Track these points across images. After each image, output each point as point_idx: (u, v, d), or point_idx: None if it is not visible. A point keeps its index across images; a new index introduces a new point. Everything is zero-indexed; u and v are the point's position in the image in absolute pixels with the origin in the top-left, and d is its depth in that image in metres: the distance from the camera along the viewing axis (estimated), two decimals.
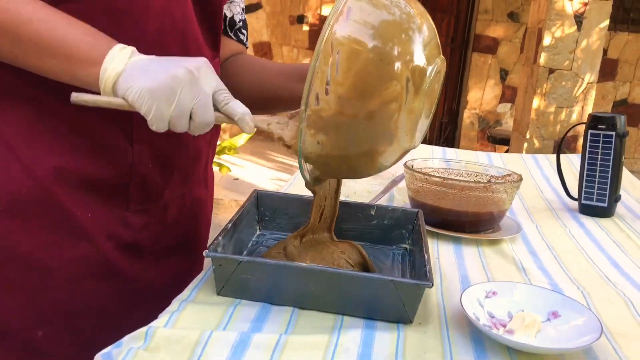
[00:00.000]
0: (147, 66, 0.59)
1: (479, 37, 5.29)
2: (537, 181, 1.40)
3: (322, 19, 5.36)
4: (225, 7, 0.87)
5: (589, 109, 3.33)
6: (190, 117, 0.61)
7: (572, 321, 0.66)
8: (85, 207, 0.70)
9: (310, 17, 5.38)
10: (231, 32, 0.91)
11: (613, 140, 1.11)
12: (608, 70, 5.26)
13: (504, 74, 5.32)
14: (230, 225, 0.74)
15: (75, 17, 0.62)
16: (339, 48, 0.57)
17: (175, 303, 0.64)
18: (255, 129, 0.67)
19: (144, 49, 0.65)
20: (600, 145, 1.13)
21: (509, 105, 5.32)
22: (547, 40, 3.22)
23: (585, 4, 3.17)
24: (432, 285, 0.64)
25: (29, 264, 0.68)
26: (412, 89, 0.60)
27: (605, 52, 5.22)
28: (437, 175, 0.98)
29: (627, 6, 5.21)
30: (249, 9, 5.34)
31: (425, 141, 5.14)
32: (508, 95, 5.31)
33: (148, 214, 0.77)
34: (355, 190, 1.14)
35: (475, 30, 5.29)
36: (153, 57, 0.61)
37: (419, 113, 0.63)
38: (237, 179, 4.14)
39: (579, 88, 3.26)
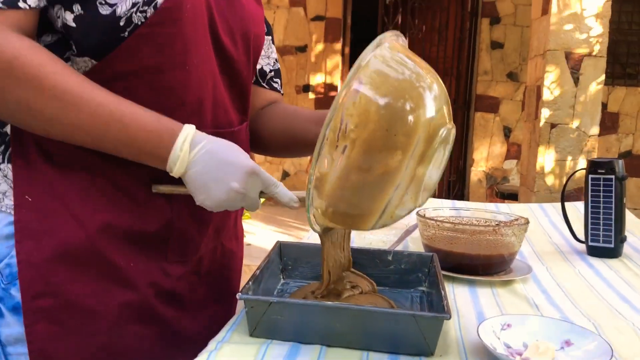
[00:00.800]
0: (204, 181, 0.72)
1: (480, 97, 5.45)
2: (545, 228, 1.45)
3: (327, 87, 5.56)
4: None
5: None
6: (243, 202, 0.75)
7: (584, 347, 0.70)
8: (129, 258, 0.76)
9: (316, 87, 5.58)
10: (264, 82, 1.00)
11: (613, 183, 1.18)
12: (609, 123, 5.38)
13: (507, 131, 5.44)
14: (258, 272, 0.80)
15: (123, 93, 0.71)
16: (347, 119, 0.64)
17: (212, 343, 0.70)
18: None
19: (184, 118, 0.74)
20: (602, 189, 1.19)
21: (514, 161, 5.42)
22: (546, 97, 3.34)
23: (580, 61, 3.31)
24: (450, 317, 0.69)
25: (80, 310, 0.73)
26: (417, 157, 0.66)
27: (605, 106, 5.35)
28: (449, 221, 1.04)
29: (623, 62, 5.39)
30: None
31: (434, 197, 5.20)
32: (513, 151, 5.41)
33: (185, 264, 0.83)
34: (371, 241, 1.20)
35: (477, 90, 5.46)
36: (209, 151, 0.72)
37: (422, 178, 0.69)
38: (249, 244, 4.19)
39: (581, 140, 3.35)
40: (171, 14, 0.71)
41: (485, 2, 5.38)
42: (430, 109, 0.66)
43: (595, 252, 1.20)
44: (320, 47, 5.52)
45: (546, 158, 3.34)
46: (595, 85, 3.32)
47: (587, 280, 1.04)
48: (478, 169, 5.54)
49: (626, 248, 1.24)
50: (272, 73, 1.02)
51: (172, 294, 0.81)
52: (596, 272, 1.09)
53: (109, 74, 0.71)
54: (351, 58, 5.76)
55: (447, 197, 5.58)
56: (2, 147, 0.75)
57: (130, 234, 0.76)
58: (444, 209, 1.15)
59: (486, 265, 1.00)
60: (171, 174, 0.72)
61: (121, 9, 0.69)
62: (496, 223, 1.03)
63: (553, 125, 3.36)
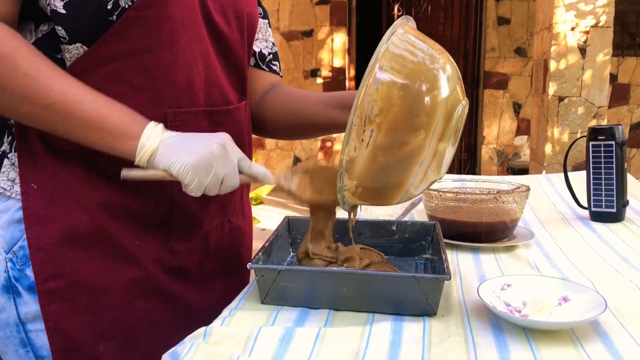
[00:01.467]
0: (182, 143, 0.71)
1: (489, 74, 5.43)
2: (550, 197, 1.47)
3: (334, 71, 5.57)
4: (254, 45, 0.99)
5: None
6: (222, 183, 0.73)
7: (580, 302, 0.73)
8: (133, 236, 0.80)
9: (323, 70, 5.59)
10: (263, 65, 1.03)
11: (613, 149, 1.20)
12: (621, 94, 5.34)
13: (517, 107, 5.42)
14: (267, 244, 0.84)
15: (114, 75, 0.74)
16: (372, 104, 0.67)
17: (225, 311, 0.74)
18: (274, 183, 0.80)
19: (175, 97, 0.77)
20: (602, 155, 1.21)
21: (525, 137, 5.40)
22: (553, 70, 3.33)
23: (587, 32, 3.29)
24: (450, 278, 0.72)
25: (89, 288, 0.78)
26: (438, 134, 0.70)
27: (615, 77, 5.31)
28: (451, 192, 1.07)
29: (632, 31, 5.33)
30: None
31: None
32: (523, 127, 5.39)
33: (191, 241, 0.87)
34: (377, 214, 1.23)
35: (485, 67, 5.44)
36: (180, 133, 0.73)
37: (444, 153, 0.73)
38: (264, 229, 4.25)
39: (590, 112, 3.34)
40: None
41: None
42: (445, 88, 0.70)
43: (598, 217, 1.22)
44: (326, 30, 5.52)
45: (555, 131, 3.34)
46: (602, 57, 3.30)
47: (589, 243, 1.07)
48: (489, 147, 5.54)
49: (629, 212, 1.27)
50: (271, 56, 1.05)
51: (178, 270, 0.85)
52: (598, 236, 1.12)
53: (100, 58, 0.74)
54: (357, 41, 5.75)
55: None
56: (10, 138, 0.79)
57: (132, 212, 0.80)
58: (447, 180, 1.18)
59: (489, 232, 1.04)
60: (142, 153, 0.71)
61: None
62: (497, 191, 1.06)
63: (561, 99, 3.35)
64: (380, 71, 0.68)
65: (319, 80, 5.63)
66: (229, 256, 0.94)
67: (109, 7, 0.72)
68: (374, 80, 0.68)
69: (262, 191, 3.54)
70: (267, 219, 4.59)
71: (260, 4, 1.02)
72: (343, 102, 0.92)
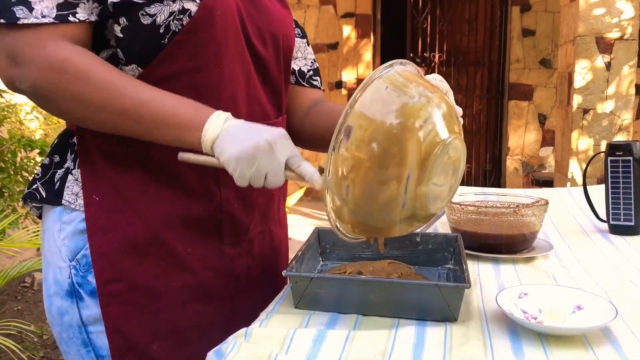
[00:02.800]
0: (237, 134, 0.77)
1: (513, 85, 5.44)
2: (571, 210, 1.52)
3: (359, 82, 5.64)
4: (292, 62, 1.06)
5: None
6: (266, 177, 0.78)
7: (594, 310, 0.78)
8: (186, 244, 0.88)
9: (348, 82, 5.66)
10: (304, 82, 1.10)
11: (631, 164, 1.24)
12: None
13: (542, 118, 5.42)
14: (300, 253, 0.91)
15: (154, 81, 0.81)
16: (344, 164, 0.73)
17: (263, 314, 0.81)
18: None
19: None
20: (620, 170, 1.25)
21: (550, 148, 5.39)
22: (578, 83, 3.35)
23: (612, 45, 3.31)
24: (470, 286, 0.78)
25: (145, 292, 0.85)
26: (414, 181, 0.73)
27: None
28: (473, 205, 1.12)
29: None
30: None
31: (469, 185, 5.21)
32: (549, 138, 5.38)
33: (238, 246, 0.94)
34: None
35: (510, 79, 5.45)
36: (242, 122, 0.79)
37: (425, 195, 0.75)
38: (290, 238, 4.32)
39: (615, 125, 3.35)
40: (204, 21, 0.82)
41: None
42: (413, 141, 0.72)
43: (617, 230, 1.26)
44: (351, 43, 5.60)
45: (579, 144, 3.35)
46: (627, 69, 3.31)
47: (606, 255, 1.12)
48: (514, 158, 5.54)
49: None
50: (311, 72, 1.12)
51: (229, 274, 0.93)
52: (615, 248, 1.16)
53: (153, 78, 0.82)
54: (382, 52, 5.82)
55: (484, 186, 5.59)
56: (73, 156, 0.87)
57: (186, 220, 0.87)
58: (469, 194, 1.24)
59: (509, 244, 1.09)
60: (203, 139, 0.76)
61: (160, 19, 0.80)
62: (516, 205, 1.11)
63: (586, 111, 3.37)
64: (347, 132, 0.73)
65: (344, 92, 5.70)
66: (270, 262, 1.01)
67: (160, 31, 0.80)
68: (343, 141, 0.73)
69: (289, 201, 3.61)
70: (291, 227, 4.67)
71: (297, 25, 1.10)
72: None
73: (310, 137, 1.08)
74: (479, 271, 1.03)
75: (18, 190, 2.40)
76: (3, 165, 2.40)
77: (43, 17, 0.76)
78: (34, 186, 0.89)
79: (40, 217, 0.93)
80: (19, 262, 2.28)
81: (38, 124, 2.80)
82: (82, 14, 0.78)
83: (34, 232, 2.33)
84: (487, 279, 0.98)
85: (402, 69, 0.81)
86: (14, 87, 0.79)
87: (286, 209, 1.17)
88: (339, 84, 5.71)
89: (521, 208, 1.08)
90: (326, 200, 0.76)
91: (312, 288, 0.82)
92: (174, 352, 0.87)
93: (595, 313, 0.78)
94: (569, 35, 3.47)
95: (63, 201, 0.86)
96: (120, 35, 0.80)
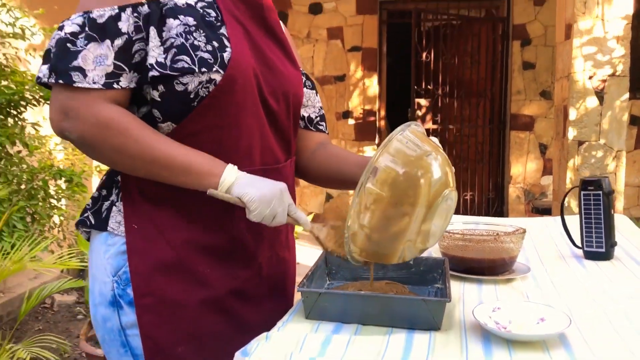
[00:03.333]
0: (253, 181, 0.98)
1: (515, 116, 5.63)
2: (553, 237, 1.68)
3: (365, 112, 5.85)
4: (302, 110, 1.25)
5: (622, 175, 3.56)
6: (274, 219, 0.99)
7: (555, 322, 0.95)
8: (206, 266, 1.05)
9: (355, 113, 5.88)
10: (311, 126, 1.29)
11: (601, 198, 1.41)
12: None
13: (543, 148, 5.59)
14: (310, 273, 1.08)
15: (194, 145, 1.00)
16: (368, 197, 0.93)
17: (280, 322, 0.98)
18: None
19: (238, 160, 1.03)
20: (592, 202, 1.42)
21: (551, 177, 5.54)
22: (572, 116, 3.53)
23: (604, 81, 3.49)
24: (450, 300, 0.95)
25: (172, 304, 1.02)
26: (421, 219, 0.94)
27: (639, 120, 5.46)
28: (460, 233, 1.29)
29: None
30: None
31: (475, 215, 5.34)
32: (549, 167, 5.54)
33: (249, 269, 1.11)
34: None
35: (511, 110, 5.64)
36: (250, 175, 1.00)
37: (428, 231, 0.97)
38: (298, 263, 4.48)
39: (609, 156, 3.51)
40: (227, 88, 1.00)
41: (516, 25, 5.59)
42: (426, 185, 0.94)
43: (590, 255, 1.43)
44: (358, 75, 5.83)
45: (575, 174, 3.52)
46: (619, 103, 3.49)
47: (578, 277, 1.28)
48: (516, 186, 5.70)
49: (618, 252, 1.47)
50: (318, 118, 1.31)
51: (241, 292, 1.09)
52: (587, 272, 1.32)
53: (184, 133, 1.01)
54: (387, 84, 6.04)
55: (487, 214, 5.74)
56: (117, 191, 1.06)
57: (205, 247, 1.05)
58: (458, 223, 1.41)
59: (491, 267, 1.25)
60: (222, 185, 0.97)
61: (191, 87, 0.99)
62: (496, 233, 1.28)
63: (580, 143, 3.54)
64: (373, 172, 0.94)
65: (351, 122, 5.91)
66: (277, 282, 1.18)
67: (191, 96, 0.99)
68: (370, 178, 0.93)
69: (299, 227, 3.81)
70: (299, 252, 4.83)
71: (309, 78, 1.28)
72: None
73: (315, 174, 1.27)
74: (464, 290, 1.19)
75: (51, 214, 2.60)
76: (33, 193, 2.60)
77: (94, 83, 0.94)
78: (85, 215, 1.08)
79: (88, 239, 1.11)
80: (43, 284, 2.45)
81: (64, 155, 3.01)
82: (124, 82, 0.97)
83: (58, 255, 2.51)
84: (469, 297, 1.14)
85: (415, 129, 1.00)
86: (63, 135, 0.98)
87: (295, 235, 1.35)
88: (345, 114, 5.92)
89: (501, 236, 1.25)
90: (347, 224, 0.95)
91: (321, 302, 0.99)
92: (195, 355, 1.04)
93: (555, 324, 0.94)
94: (564, 71, 3.66)
95: (108, 228, 1.04)
96: (158, 99, 0.99)
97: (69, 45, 0.94)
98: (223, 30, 1.02)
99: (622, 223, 1.78)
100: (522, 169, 5.67)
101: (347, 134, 5.94)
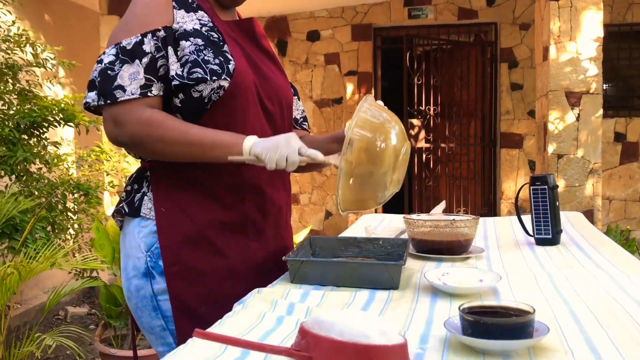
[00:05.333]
0: (265, 140, 1.21)
1: (504, 134, 5.89)
2: (515, 230, 1.92)
3: None
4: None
5: (600, 185, 3.79)
6: (287, 160, 1.20)
7: (491, 281, 1.18)
8: (224, 239, 1.29)
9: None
10: (297, 126, 1.55)
11: (547, 192, 1.65)
12: (630, 152, 5.71)
13: (532, 164, 5.83)
14: (295, 249, 1.33)
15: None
16: (352, 162, 1.18)
17: (270, 285, 1.22)
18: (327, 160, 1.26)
19: None
20: (539, 196, 1.66)
21: None
22: (552, 131, 3.79)
23: (579, 99, 3.76)
24: (404, 263, 1.19)
25: (196, 271, 1.26)
26: (392, 169, 1.20)
27: (624, 136, 5.71)
28: (422, 220, 1.53)
29: (639, 94, 5.75)
30: None
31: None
32: None
33: (259, 242, 1.34)
34: (379, 234, 1.70)
35: (501, 129, 5.91)
36: (264, 138, 1.22)
37: (397, 178, 1.22)
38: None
39: (586, 168, 3.76)
40: (233, 92, 1.25)
41: (503, 48, 5.89)
42: (391, 145, 1.19)
43: (540, 242, 1.66)
44: (354, 98, 6.11)
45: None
46: (594, 119, 3.74)
47: (524, 257, 1.51)
48: (508, 201, 5.92)
49: (565, 238, 1.70)
50: (302, 119, 1.58)
51: (252, 261, 1.33)
52: (533, 253, 1.56)
53: None
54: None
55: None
56: (147, 184, 1.31)
57: (223, 223, 1.29)
58: (423, 214, 1.65)
59: (448, 248, 1.49)
60: (244, 146, 1.18)
61: (205, 93, 1.24)
62: (453, 219, 1.52)
63: (560, 156, 3.78)
64: (350, 143, 1.19)
65: None
66: (279, 255, 1.41)
67: (205, 101, 1.24)
68: (349, 148, 1.18)
69: (296, 238, 4.03)
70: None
71: (292, 86, 1.55)
72: (336, 137, 1.43)
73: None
74: (425, 266, 1.43)
75: (68, 225, 2.85)
76: (53, 205, 2.85)
77: (132, 94, 1.20)
78: (120, 205, 1.33)
79: (121, 227, 1.36)
80: (57, 290, 2.68)
81: (80, 172, 3.27)
82: (155, 90, 1.23)
83: (82, 257, 2.74)
84: (429, 271, 1.38)
85: (372, 102, 1.26)
86: (117, 142, 1.24)
87: (294, 244, 1.58)
88: None
89: (457, 221, 1.49)
90: (338, 183, 1.19)
91: (302, 268, 1.23)
92: (215, 313, 1.26)
93: (491, 282, 1.18)
94: (543, 90, 3.92)
95: (141, 213, 1.29)
96: (179, 105, 1.25)
97: (109, 72, 1.20)
98: (226, 48, 1.28)
99: (575, 218, 2.02)
100: (513, 185, 5.91)
101: (321, 135, 6.20)
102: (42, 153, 2.89)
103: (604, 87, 5.61)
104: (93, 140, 3.66)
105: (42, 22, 4.49)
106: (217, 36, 1.28)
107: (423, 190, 5.99)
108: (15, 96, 2.95)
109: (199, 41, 1.24)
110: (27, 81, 3.09)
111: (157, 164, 1.29)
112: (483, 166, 6.06)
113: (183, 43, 1.23)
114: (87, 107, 1.25)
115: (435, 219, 1.54)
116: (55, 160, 2.96)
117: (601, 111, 3.78)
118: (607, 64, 4.62)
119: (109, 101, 1.20)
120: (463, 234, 1.50)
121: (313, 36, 6.17)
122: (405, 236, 1.69)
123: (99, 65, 1.22)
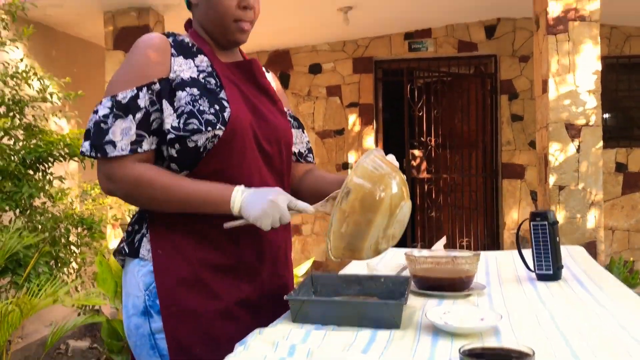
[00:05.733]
0: (252, 202, 1.22)
1: (506, 165, 5.92)
2: (517, 264, 1.92)
3: None
4: (293, 147, 1.52)
5: (602, 217, 3.80)
6: (280, 221, 1.23)
7: (492, 320, 1.19)
8: (218, 281, 1.30)
9: (354, 164, 6.18)
10: (301, 159, 1.57)
11: (547, 227, 1.66)
12: (632, 182, 5.72)
13: (534, 195, 5.84)
14: (297, 288, 1.33)
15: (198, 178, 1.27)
16: (345, 209, 1.20)
17: (272, 324, 1.22)
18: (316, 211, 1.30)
19: None
20: (540, 232, 1.67)
21: None
22: (552, 163, 3.81)
23: (579, 131, 3.79)
24: (406, 303, 1.19)
25: (190, 312, 1.27)
26: (384, 224, 1.22)
27: (626, 166, 5.73)
28: (424, 257, 1.54)
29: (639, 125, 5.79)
30: None
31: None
32: None
33: (254, 284, 1.36)
34: (380, 271, 1.71)
35: (502, 159, 5.94)
36: (253, 190, 1.25)
37: (391, 234, 1.24)
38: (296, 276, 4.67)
39: (587, 199, 3.77)
40: (228, 140, 1.27)
41: (503, 80, 5.96)
42: (387, 200, 1.21)
43: (541, 277, 1.67)
44: (356, 129, 6.17)
45: (558, 218, 3.76)
46: (594, 150, 3.77)
47: (526, 294, 1.52)
48: (510, 232, 5.92)
49: (566, 273, 1.70)
50: (306, 152, 1.60)
51: (246, 302, 1.34)
52: (535, 289, 1.56)
53: (197, 177, 1.28)
54: (384, 136, 6.38)
55: None
56: (146, 225, 1.33)
57: (217, 266, 1.30)
58: (423, 250, 1.66)
59: (450, 285, 1.50)
60: (232, 210, 1.22)
61: (200, 142, 1.26)
62: (454, 256, 1.53)
63: (561, 188, 3.80)
64: (346, 193, 1.21)
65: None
66: (276, 295, 1.42)
67: (200, 150, 1.27)
68: (344, 198, 1.21)
69: (298, 271, 4.02)
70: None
71: (296, 119, 1.57)
72: (342, 181, 1.44)
73: (304, 194, 1.51)
74: (427, 303, 1.43)
75: (71, 259, 2.86)
76: (56, 240, 2.87)
77: (122, 150, 1.23)
78: (121, 245, 1.34)
79: (123, 266, 1.37)
80: (59, 326, 2.68)
81: (84, 205, 3.30)
82: (146, 146, 1.26)
83: (85, 293, 2.75)
84: (431, 309, 1.38)
85: (377, 155, 1.28)
86: (110, 194, 1.29)
87: (295, 278, 1.60)
88: (345, 165, 6.23)
89: (458, 259, 1.50)
90: (330, 228, 1.21)
91: (304, 308, 1.24)
92: (211, 353, 1.28)
93: (493, 321, 1.18)
94: (543, 122, 3.96)
95: (140, 254, 1.31)
96: (175, 155, 1.28)
97: (102, 125, 1.23)
98: (222, 94, 1.30)
99: (577, 252, 2.03)
100: (516, 215, 5.91)
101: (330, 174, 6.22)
102: (47, 187, 2.93)
103: (604, 117, 5.66)
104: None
105: (49, 57, 4.57)
106: (214, 82, 1.31)
107: (426, 221, 5.99)
108: (22, 131, 3.00)
109: (195, 90, 1.27)
110: (32, 115, 3.14)
111: None
112: (485, 196, 6.07)
113: (179, 94, 1.26)
114: (83, 155, 1.28)
115: (437, 256, 1.55)
116: (60, 194, 2.99)
117: (601, 143, 3.80)
118: (607, 95, 4.68)
119: (99, 154, 1.23)
120: (464, 271, 1.50)
121: (315, 69, 6.25)
122: (406, 272, 1.69)
123: (95, 115, 1.25)
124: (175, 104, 1.26)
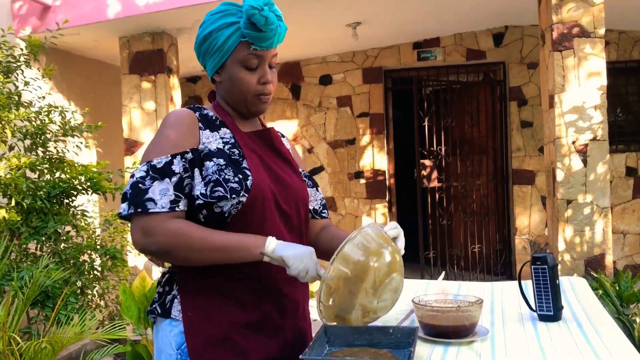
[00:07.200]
0: (289, 245, 1.35)
1: (516, 171, 5.98)
2: (520, 301, 2.01)
3: (375, 172, 6.24)
4: (309, 205, 1.63)
5: (610, 229, 3.87)
6: (307, 273, 1.35)
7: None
8: (245, 339, 1.41)
9: (365, 173, 6.27)
10: (317, 216, 1.68)
11: (547, 271, 1.75)
12: None
13: (545, 200, 5.90)
14: (312, 343, 1.44)
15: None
16: (331, 285, 1.32)
17: None
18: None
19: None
20: (540, 274, 1.77)
21: None
22: (560, 177, 3.88)
23: (586, 145, 3.85)
24: (413, 356, 1.30)
25: None
26: (372, 294, 1.34)
27: (636, 171, 5.76)
28: (430, 305, 1.64)
29: None
30: (314, 171, 6.32)
31: (484, 267, 5.64)
32: None
33: (277, 338, 1.47)
34: (388, 319, 1.81)
35: (512, 166, 6.00)
36: (285, 242, 1.37)
37: (382, 305, 1.38)
38: (315, 319, 4.79)
39: (595, 213, 3.83)
40: (251, 204, 1.39)
41: (512, 87, 6.01)
42: (373, 272, 1.34)
43: (542, 317, 1.76)
44: (367, 138, 6.26)
45: (566, 231, 3.83)
46: (602, 164, 3.83)
47: (527, 336, 1.61)
48: (522, 237, 5.99)
49: (567, 313, 1.80)
50: (321, 208, 1.70)
51: (272, 356, 1.45)
52: (535, 330, 1.65)
53: None
54: (395, 145, 6.46)
55: (495, 264, 6.02)
56: (176, 286, 1.44)
57: (244, 324, 1.42)
58: (430, 294, 1.76)
59: (455, 332, 1.60)
60: (266, 249, 1.33)
61: (225, 208, 1.38)
62: (457, 305, 1.63)
63: (569, 201, 3.87)
64: (333, 271, 1.34)
65: (362, 181, 6.30)
66: (297, 346, 1.52)
67: (225, 215, 1.38)
68: (330, 275, 1.34)
69: (314, 287, 4.14)
70: (315, 322, 5.14)
71: (310, 177, 1.68)
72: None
73: (320, 250, 1.62)
74: (433, 351, 1.53)
75: (95, 289, 3.00)
76: (81, 268, 3.01)
77: (162, 207, 1.34)
78: (154, 306, 1.46)
79: (155, 322, 1.49)
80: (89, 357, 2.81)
81: (107, 233, 3.45)
82: (182, 206, 1.37)
83: (111, 325, 2.88)
84: (436, 357, 1.49)
85: (373, 229, 1.38)
86: (144, 251, 1.38)
87: (311, 295, 1.72)
88: (357, 174, 6.32)
89: (462, 306, 1.60)
90: (320, 298, 1.34)
91: None
92: None
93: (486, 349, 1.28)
94: (550, 136, 4.03)
95: (172, 315, 1.42)
96: (202, 220, 1.39)
97: (140, 185, 1.35)
98: (244, 164, 1.42)
99: (578, 285, 2.11)
100: (527, 221, 5.98)
101: (359, 192, 6.32)
102: (72, 219, 3.06)
103: (614, 122, 5.70)
104: (118, 204, 3.82)
105: (65, 79, 4.71)
106: (237, 152, 1.42)
107: (437, 229, 6.07)
108: (46, 164, 3.14)
109: (221, 161, 1.38)
110: (55, 148, 3.28)
111: (184, 268, 1.43)
112: (496, 202, 6.14)
113: (207, 163, 1.37)
114: (121, 216, 1.39)
115: (441, 306, 1.65)
116: (83, 223, 3.13)
117: (608, 157, 3.86)
118: (616, 99, 4.72)
119: (139, 210, 1.33)
120: (468, 318, 1.60)
121: (325, 80, 6.35)
122: (414, 316, 1.79)
123: (132, 179, 1.37)
124: (203, 173, 1.37)
